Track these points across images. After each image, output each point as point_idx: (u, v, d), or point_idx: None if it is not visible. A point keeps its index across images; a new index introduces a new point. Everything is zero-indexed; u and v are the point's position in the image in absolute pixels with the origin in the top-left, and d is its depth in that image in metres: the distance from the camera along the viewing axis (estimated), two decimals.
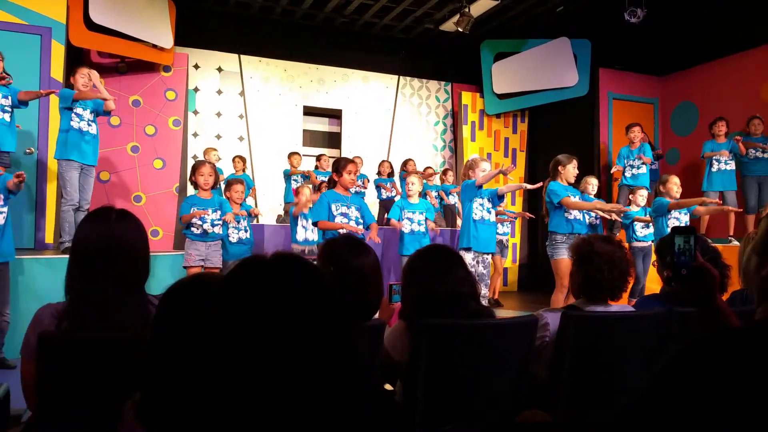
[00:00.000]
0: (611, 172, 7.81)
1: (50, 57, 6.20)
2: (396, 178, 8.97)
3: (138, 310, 1.71)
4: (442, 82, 10.33)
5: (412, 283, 2.13)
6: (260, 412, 0.76)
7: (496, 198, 5.45)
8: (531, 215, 8.15)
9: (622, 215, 6.15)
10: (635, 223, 6.22)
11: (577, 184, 5.71)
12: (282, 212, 8.59)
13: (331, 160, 6.06)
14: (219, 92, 9.02)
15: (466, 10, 8.01)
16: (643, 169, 7.27)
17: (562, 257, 4.93)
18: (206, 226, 5.08)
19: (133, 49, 7.29)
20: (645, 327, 2.27)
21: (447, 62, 10.22)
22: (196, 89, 8.80)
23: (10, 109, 5.11)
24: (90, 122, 5.35)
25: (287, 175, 8.30)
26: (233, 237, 5.57)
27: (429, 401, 1.96)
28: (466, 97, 9.56)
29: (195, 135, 8.75)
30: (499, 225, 6.84)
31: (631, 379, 2.20)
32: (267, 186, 9.01)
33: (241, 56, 9.15)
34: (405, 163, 8.86)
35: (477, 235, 5.25)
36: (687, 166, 8.13)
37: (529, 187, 5.64)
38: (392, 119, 10.04)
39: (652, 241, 6.09)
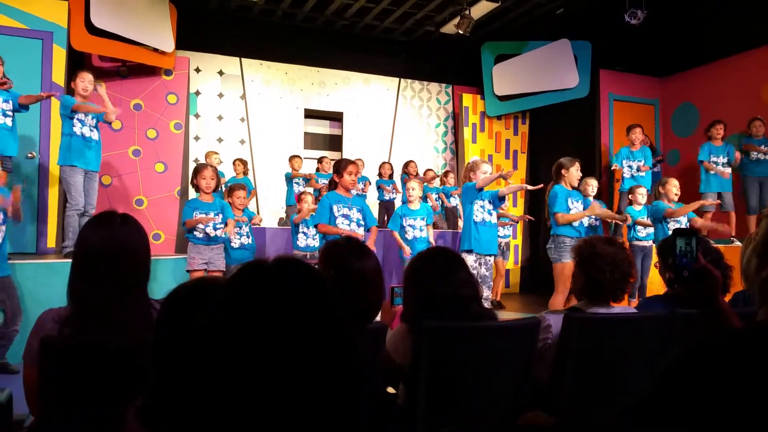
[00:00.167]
0: (611, 169, 7.78)
1: (51, 61, 6.22)
2: (397, 179, 8.97)
3: (140, 314, 1.71)
4: (443, 84, 10.34)
5: (413, 286, 2.12)
6: (262, 414, 0.76)
7: (497, 200, 5.44)
8: (531, 218, 8.14)
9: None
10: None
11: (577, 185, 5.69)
12: (284, 215, 8.60)
13: (333, 163, 6.07)
14: (220, 95, 9.03)
15: (467, 12, 8.02)
16: (643, 172, 7.26)
17: (567, 260, 4.90)
18: (208, 229, 5.08)
19: (134, 52, 7.30)
20: (648, 329, 2.27)
21: (448, 64, 10.23)
22: (197, 93, 8.81)
23: (11, 114, 5.11)
24: (92, 128, 5.34)
25: (288, 178, 8.31)
26: (235, 243, 5.57)
27: (431, 404, 1.95)
28: (467, 99, 9.57)
29: (196, 138, 8.77)
30: (500, 228, 6.85)
31: (633, 381, 2.20)
32: (268, 189, 9.02)
33: (242, 59, 9.16)
34: (406, 165, 8.86)
35: (478, 237, 5.24)
36: (687, 167, 8.12)
37: (530, 188, 5.63)
38: (393, 121, 10.05)
39: (653, 241, 6.08)
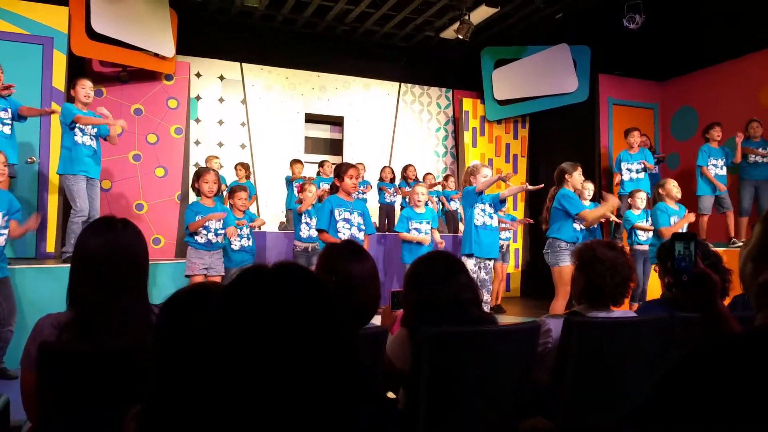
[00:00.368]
0: (615, 183, 7.70)
1: (52, 67, 6.23)
2: (397, 183, 8.98)
3: (141, 319, 1.71)
4: (443, 89, 10.36)
5: (414, 290, 2.12)
6: (262, 418, 0.76)
7: (498, 203, 5.43)
8: (530, 220, 8.13)
9: (623, 219, 6.13)
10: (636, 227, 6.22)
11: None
12: (284, 219, 8.60)
13: (334, 167, 6.08)
14: (221, 100, 9.05)
15: (466, 17, 8.04)
16: (642, 175, 7.26)
17: (567, 264, 4.86)
18: (210, 235, 5.08)
19: (134, 58, 7.31)
20: (647, 333, 2.26)
21: (448, 69, 10.25)
22: (198, 97, 8.83)
23: (9, 122, 5.10)
24: (92, 137, 5.32)
25: (288, 181, 8.32)
26: (235, 245, 5.57)
27: (431, 408, 1.95)
28: (467, 104, 9.58)
29: (197, 143, 8.78)
30: (501, 231, 6.85)
31: (633, 385, 2.19)
32: (269, 193, 9.03)
33: (243, 64, 9.19)
34: (405, 169, 8.88)
35: (479, 241, 5.23)
36: (687, 170, 8.11)
37: (531, 188, 5.59)
38: (394, 126, 10.07)
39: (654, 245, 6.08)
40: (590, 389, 2.18)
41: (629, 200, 6.58)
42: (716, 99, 7.88)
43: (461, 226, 6.79)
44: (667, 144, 8.83)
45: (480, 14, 8.17)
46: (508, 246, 7.75)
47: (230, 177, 8.14)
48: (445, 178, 9.03)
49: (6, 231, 4.25)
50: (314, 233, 6.29)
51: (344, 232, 4.85)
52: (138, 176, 7.63)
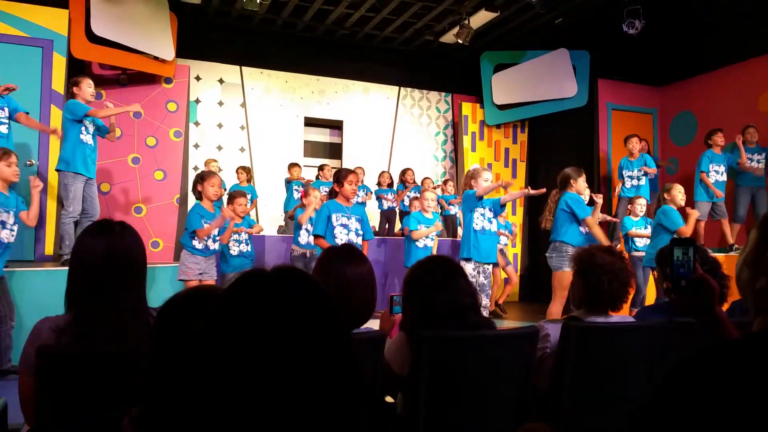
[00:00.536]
0: (616, 190, 7.68)
1: (51, 69, 6.23)
2: (395, 187, 8.98)
3: (140, 322, 1.71)
4: (443, 93, 10.38)
5: (412, 295, 2.12)
6: (262, 421, 0.76)
7: (499, 207, 5.42)
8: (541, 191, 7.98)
9: (620, 225, 6.13)
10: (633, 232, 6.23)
11: None
12: (283, 223, 8.60)
13: (333, 171, 6.09)
14: (220, 103, 9.06)
15: (466, 22, 8.07)
16: (643, 181, 7.27)
17: (569, 269, 4.80)
18: (209, 241, 5.09)
19: (134, 61, 7.32)
20: (646, 338, 2.27)
21: (447, 73, 10.27)
22: (197, 101, 8.84)
23: (6, 121, 5.08)
24: (93, 136, 5.38)
25: (287, 182, 8.32)
26: (234, 249, 5.56)
27: (430, 413, 1.95)
28: (467, 108, 9.60)
29: (196, 146, 8.78)
30: (501, 237, 6.88)
31: (632, 390, 2.19)
32: (268, 197, 9.02)
33: (243, 68, 9.20)
34: (404, 173, 8.88)
35: (478, 246, 5.20)
36: (686, 175, 8.12)
37: (532, 192, 5.55)
38: (393, 130, 10.08)
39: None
40: (589, 394, 2.18)
41: (629, 207, 6.58)
42: (715, 104, 7.90)
43: (459, 231, 6.80)
44: (666, 149, 8.85)
45: (480, 19, 8.19)
46: (505, 249, 7.73)
47: (229, 180, 8.13)
48: (444, 182, 9.04)
49: (16, 227, 4.33)
50: (312, 239, 6.30)
51: (341, 238, 4.84)
52: (137, 179, 7.63)
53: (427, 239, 6.16)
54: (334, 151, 10.08)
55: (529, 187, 5.49)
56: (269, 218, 8.92)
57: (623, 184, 7.36)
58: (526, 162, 9.86)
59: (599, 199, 5.48)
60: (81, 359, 1.62)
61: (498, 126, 9.63)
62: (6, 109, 5.07)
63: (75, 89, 5.31)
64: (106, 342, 1.65)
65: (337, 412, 0.79)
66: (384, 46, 9.78)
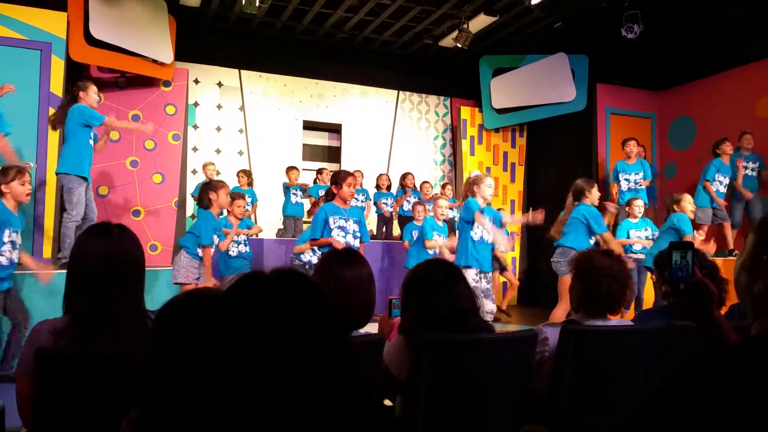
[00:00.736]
0: (612, 193, 7.69)
1: (50, 72, 6.22)
2: (394, 192, 8.97)
3: (138, 325, 1.71)
4: (442, 97, 10.39)
5: (412, 296, 2.12)
6: (261, 423, 0.75)
7: (498, 223, 5.41)
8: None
9: (618, 228, 6.14)
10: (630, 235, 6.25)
11: None
12: (281, 226, 8.59)
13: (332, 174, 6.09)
14: (219, 107, 9.06)
15: (465, 26, 8.08)
16: (641, 185, 7.28)
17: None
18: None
19: (133, 64, 7.32)
20: (644, 341, 2.27)
21: (446, 77, 10.28)
22: (195, 104, 8.84)
23: None
24: (93, 140, 5.40)
25: (285, 188, 8.32)
26: (233, 251, 5.57)
27: (429, 416, 1.95)
28: (465, 112, 9.61)
29: (195, 149, 8.78)
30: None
31: (631, 393, 2.19)
32: (267, 200, 9.01)
33: (241, 71, 9.20)
34: (404, 177, 8.87)
35: (477, 256, 5.17)
36: (685, 180, 8.14)
37: (532, 223, 5.48)
38: (392, 133, 10.08)
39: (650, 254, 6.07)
40: (587, 397, 2.18)
41: (627, 209, 6.58)
42: (714, 109, 7.91)
43: (454, 236, 6.80)
44: (664, 154, 8.86)
45: (479, 23, 8.21)
46: (502, 256, 7.73)
47: (228, 183, 8.10)
48: (443, 186, 9.04)
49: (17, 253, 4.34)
50: (315, 259, 6.29)
51: (339, 240, 4.84)
52: (135, 182, 7.62)
53: (446, 241, 6.24)
54: (333, 154, 10.09)
55: (530, 216, 5.44)
56: (268, 222, 8.90)
57: (620, 187, 7.37)
58: (525, 166, 9.87)
59: (612, 208, 5.46)
60: (79, 362, 1.61)
61: (497, 130, 9.64)
62: None
63: (81, 94, 5.26)
64: (104, 344, 1.65)
65: (336, 414, 0.79)
66: (383, 50, 9.80)
